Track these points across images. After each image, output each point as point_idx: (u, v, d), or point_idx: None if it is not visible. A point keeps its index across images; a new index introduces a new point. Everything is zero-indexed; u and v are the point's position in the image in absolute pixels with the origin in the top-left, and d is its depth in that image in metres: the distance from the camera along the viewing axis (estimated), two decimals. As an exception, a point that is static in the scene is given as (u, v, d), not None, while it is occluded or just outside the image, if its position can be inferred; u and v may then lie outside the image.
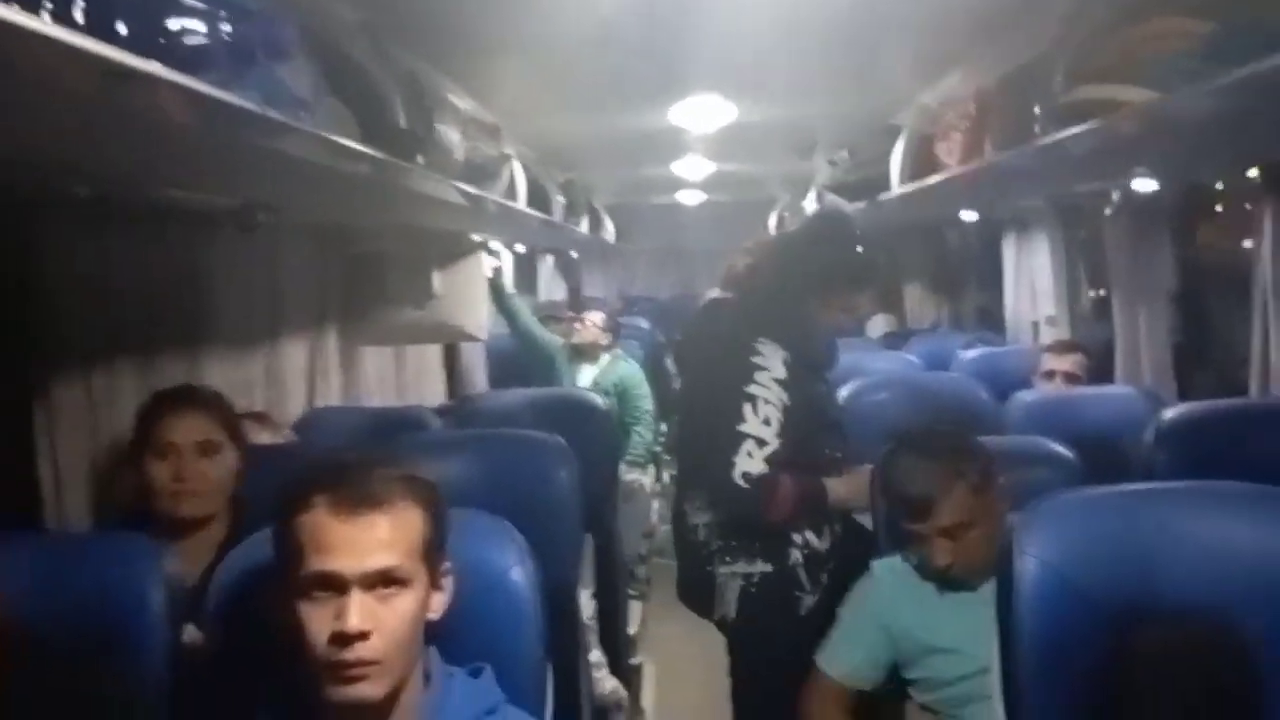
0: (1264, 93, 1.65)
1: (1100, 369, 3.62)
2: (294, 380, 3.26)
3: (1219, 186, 3.65)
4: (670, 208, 9.77)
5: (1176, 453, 2.31)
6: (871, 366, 3.85)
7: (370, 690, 1.27)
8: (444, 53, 2.75)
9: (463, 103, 3.21)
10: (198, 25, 1.34)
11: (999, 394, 3.22)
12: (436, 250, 3.70)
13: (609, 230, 9.01)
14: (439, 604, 1.37)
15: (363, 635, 1.25)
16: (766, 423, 2.39)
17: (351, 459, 1.35)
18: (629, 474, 4.54)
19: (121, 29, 1.16)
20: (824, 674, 2.20)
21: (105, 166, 1.69)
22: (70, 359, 2.07)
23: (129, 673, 1.49)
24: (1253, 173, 2.80)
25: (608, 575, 2.62)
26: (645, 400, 4.90)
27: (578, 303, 7.03)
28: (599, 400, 3.17)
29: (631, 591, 3.93)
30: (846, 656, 2.19)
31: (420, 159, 2.47)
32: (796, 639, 2.31)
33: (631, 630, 3.57)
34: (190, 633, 1.63)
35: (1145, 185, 3.00)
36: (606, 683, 2.53)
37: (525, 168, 4.45)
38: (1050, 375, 3.50)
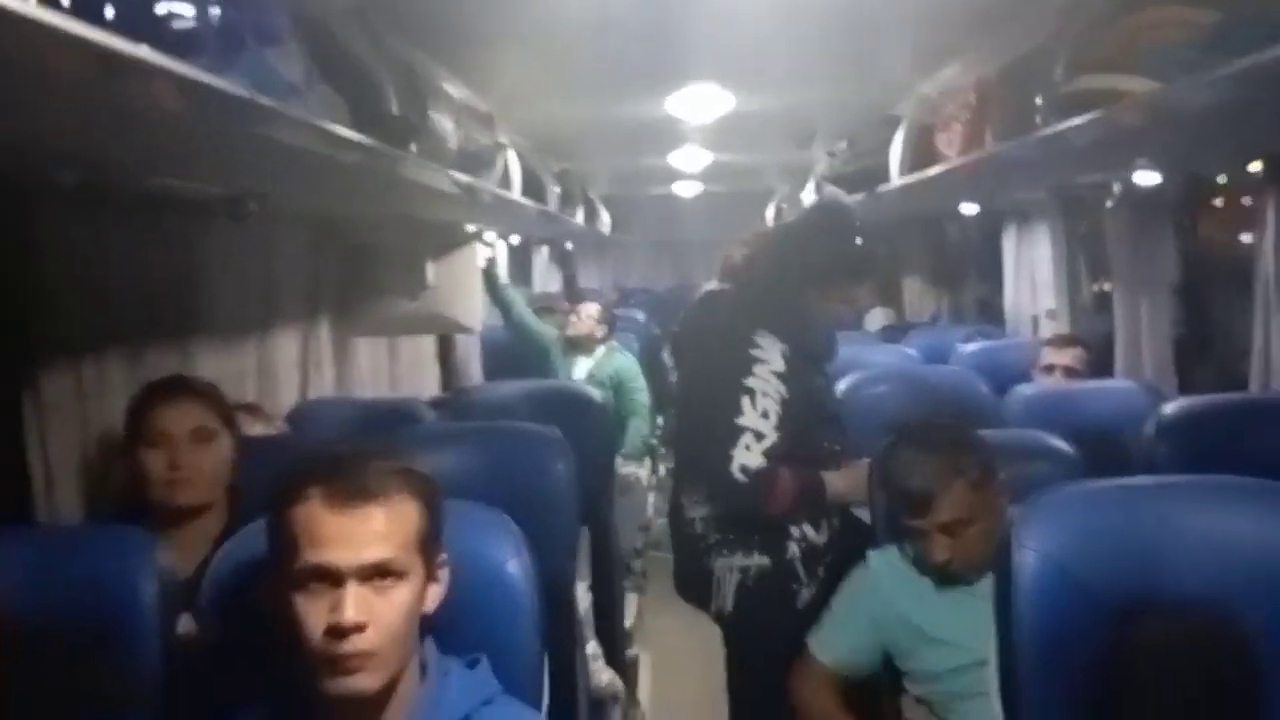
0: (1267, 83, 1.64)
1: (1100, 362, 3.61)
2: (286, 372, 3.24)
3: (1220, 180, 3.64)
4: (667, 199, 9.75)
5: (1177, 447, 2.30)
6: (870, 360, 3.83)
7: (366, 682, 1.26)
8: (437, 39, 2.73)
9: (457, 90, 3.19)
10: (186, 9, 1.32)
11: (998, 388, 3.21)
12: (431, 241, 3.68)
13: (604, 221, 9.00)
14: (435, 596, 1.37)
15: (358, 627, 1.24)
16: (765, 416, 2.38)
17: (347, 451, 1.34)
18: (625, 467, 4.53)
19: (109, 12, 1.14)
20: (815, 658, 2.22)
21: (93, 154, 1.68)
22: (60, 350, 2.06)
23: (122, 665, 1.48)
24: (1255, 165, 2.78)
25: (604, 568, 2.61)
26: (641, 393, 4.89)
27: (574, 291, 7.01)
28: (595, 393, 3.15)
29: (627, 584, 3.92)
30: (837, 643, 2.21)
31: (414, 147, 2.45)
32: (793, 632, 2.30)
33: (628, 623, 3.56)
34: (185, 624, 1.62)
35: (1147, 177, 2.99)
36: (603, 675, 2.52)
37: (520, 157, 4.43)
38: (1050, 369, 3.49)
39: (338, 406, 3.20)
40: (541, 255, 8.00)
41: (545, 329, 5.02)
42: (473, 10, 2.54)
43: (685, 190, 9.21)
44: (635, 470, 4.87)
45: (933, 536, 2.04)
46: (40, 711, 1.43)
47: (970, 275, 5.97)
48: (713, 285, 2.89)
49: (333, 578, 1.25)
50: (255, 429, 2.41)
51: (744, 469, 2.35)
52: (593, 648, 2.47)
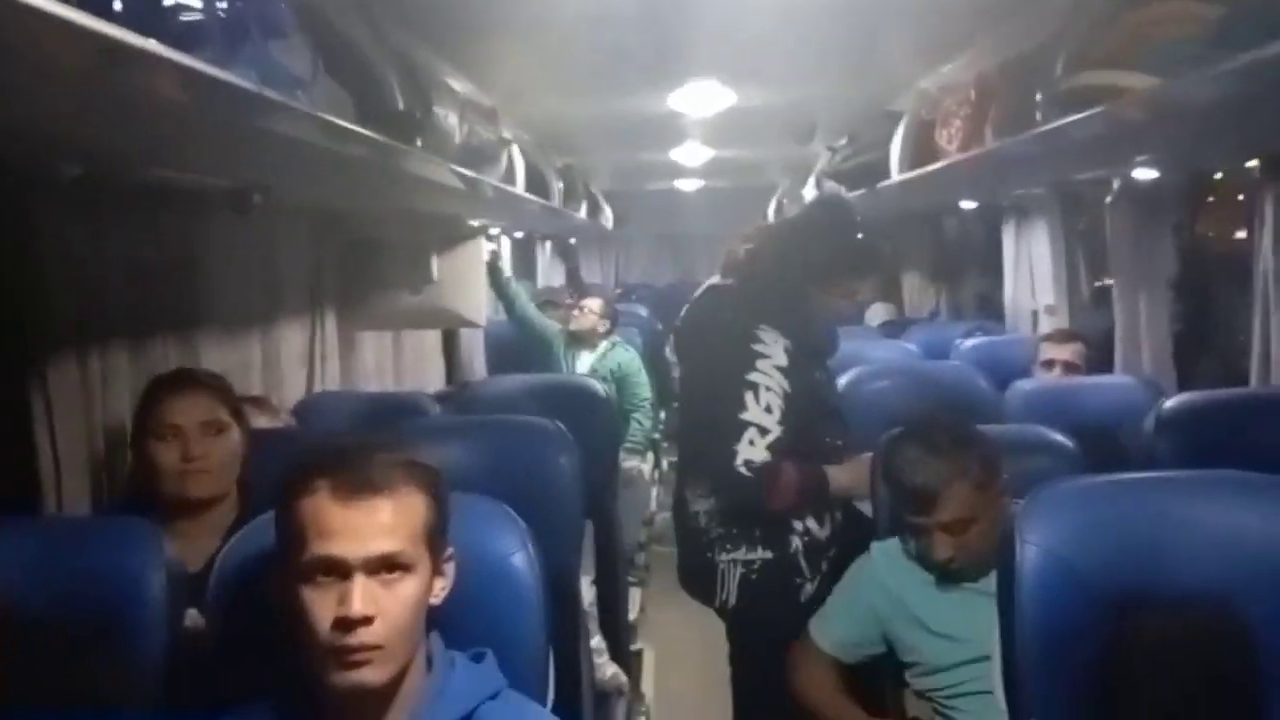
0: (1268, 79, 1.64)
1: (1100, 358, 3.62)
2: (292, 365, 3.24)
3: (1217, 176, 3.64)
4: (669, 194, 9.74)
5: (1177, 442, 2.30)
6: (871, 355, 3.84)
7: (373, 675, 1.27)
8: (442, 34, 2.74)
9: (460, 85, 3.20)
10: (193, 1, 1.32)
11: (998, 383, 3.22)
12: (435, 235, 3.68)
13: (607, 216, 9.00)
14: (441, 589, 1.37)
15: (366, 620, 1.24)
16: (768, 410, 2.38)
17: (353, 444, 1.34)
18: (628, 461, 4.54)
19: (116, 4, 1.14)
20: (814, 643, 2.24)
21: (98, 146, 1.68)
22: (66, 343, 2.05)
23: (129, 658, 1.48)
24: (1252, 162, 2.78)
25: (608, 562, 2.61)
26: (643, 387, 4.90)
27: (578, 283, 7.01)
28: (599, 387, 3.16)
29: (631, 578, 3.93)
30: (836, 629, 2.23)
31: (418, 142, 2.45)
32: (796, 626, 2.31)
33: (631, 616, 3.57)
34: (193, 617, 1.62)
35: (1147, 173, 2.99)
36: (607, 669, 2.54)
37: (523, 152, 4.44)
38: (1049, 364, 3.49)
39: (343, 400, 3.20)
40: (545, 250, 8.00)
41: (548, 323, 5.02)
42: (477, 5, 2.55)
43: (687, 185, 9.21)
44: (638, 464, 4.89)
45: (935, 535, 2.04)
46: (47, 703, 1.43)
47: (969, 270, 5.97)
48: (715, 280, 2.90)
49: (340, 570, 1.26)
50: (261, 422, 2.41)
51: (748, 464, 2.36)
52: (597, 641, 2.48)
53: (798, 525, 2.48)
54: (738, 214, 7.83)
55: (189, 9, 1.31)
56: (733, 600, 2.51)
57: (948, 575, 2.09)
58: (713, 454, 2.43)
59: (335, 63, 2.01)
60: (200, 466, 1.92)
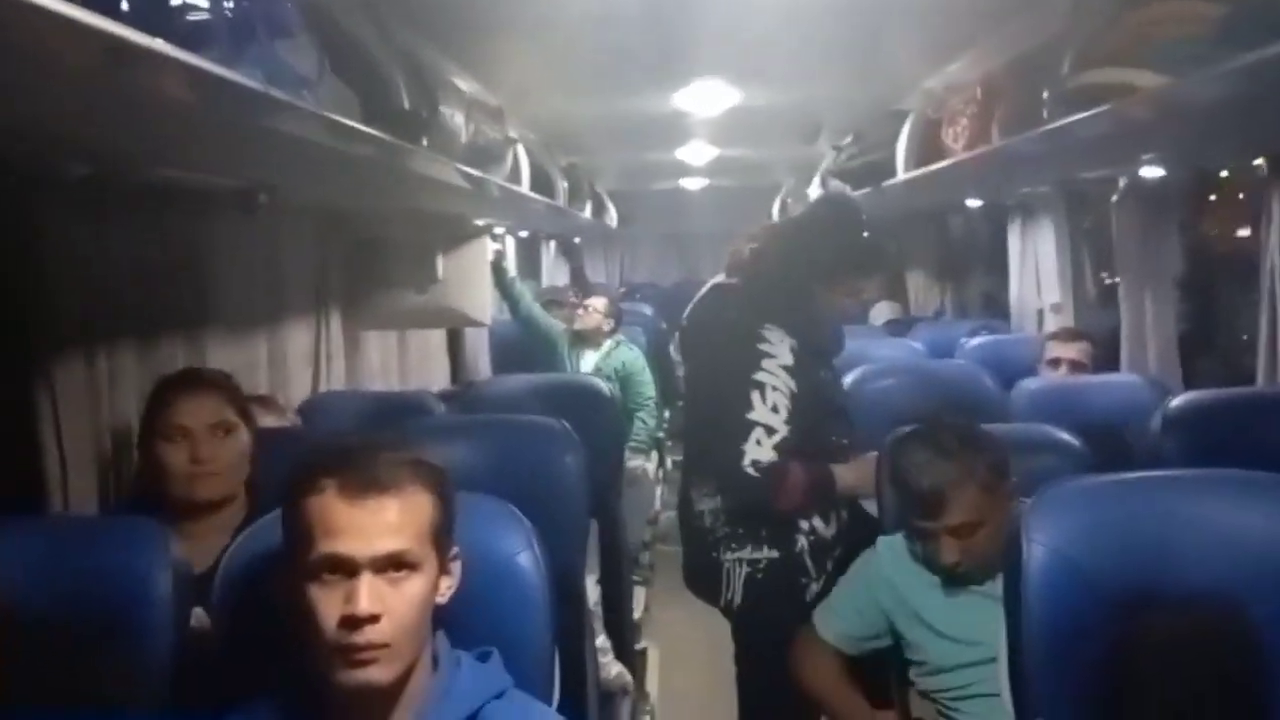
0: (1275, 78, 1.63)
1: (1106, 356, 3.61)
2: (298, 364, 3.25)
3: (1223, 174, 3.63)
4: (673, 193, 9.73)
5: (1183, 440, 2.29)
6: (876, 354, 3.83)
7: (379, 674, 1.27)
8: (448, 33, 2.74)
9: (466, 85, 3.20)
10: (199, 0, 1.32)
11: (1004, 381, 3.21)
12: (440, 234, 3.68)
13: (612, 216, 9.00)
14: (447, 588, 1.37)
15: (373, 618, 1.24)
16: (775, 410, 2.38)
17: (360, 443, 1.35)
18: (632, 460, 4.54)
19: (123, 3, 1.15)
20: (817, 633, 2.24)
21: (105, 145, 1.68)
22: (72, 342, 2.06)
23: (136, 657, 1.48)
24: (1257, 161, 2.77)
25: (613, 561, 2.61)
26: (648, 386, 4.89)
27: (582, 282, 7.02)
28: (604, 386, 3.16)
29: (635, 577, 3.93)
30: (840, 622, 2.23)
31: (424, 141, 2.46)
32: (802, 626, 2.30)
33: (635, 616, 3.56)
34: (198, 617, 1.62)
35: (1153, 171, 2.98)
36: (612, 668, 2.53)
37: (528, 151, 4.44)
38: (1055, 363, 3.48)
39: (349, 399, 3.21)
40: (549, 249, 8.01)
41: (553, 323, 5.03)
42: (483, 4, 2.55)
43: (692, 184, 9.21)
44: (642, 463, 4.88)
45: (942, 539, 2.03)
46: (53, 702, 1.43)
47: (975, 269, 5.97)
48: (720, 279, 2.89)
49: (347, 568, 1.26)
50: (267, 421, 2.40)
51: (756, 464, 2.36)
52: (602, 641, 2.48)
53: (803, 525, 2.48)
54: (742, 213, 7.83)
55: (196, 8, 1.32)
56: (738, 600, 2.50)
57: (954, 578, 2.08)
58: (719, 454, 2.43)
59: (341, 62, 2.01)
60: (209, 469, 1.91)
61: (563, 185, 5.78)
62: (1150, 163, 2.87)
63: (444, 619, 1.39)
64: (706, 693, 3.43)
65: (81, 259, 2.08)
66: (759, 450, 2.36)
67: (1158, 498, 1.61)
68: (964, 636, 2.05)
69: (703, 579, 2.58)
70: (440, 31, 2.71)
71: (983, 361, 3.56)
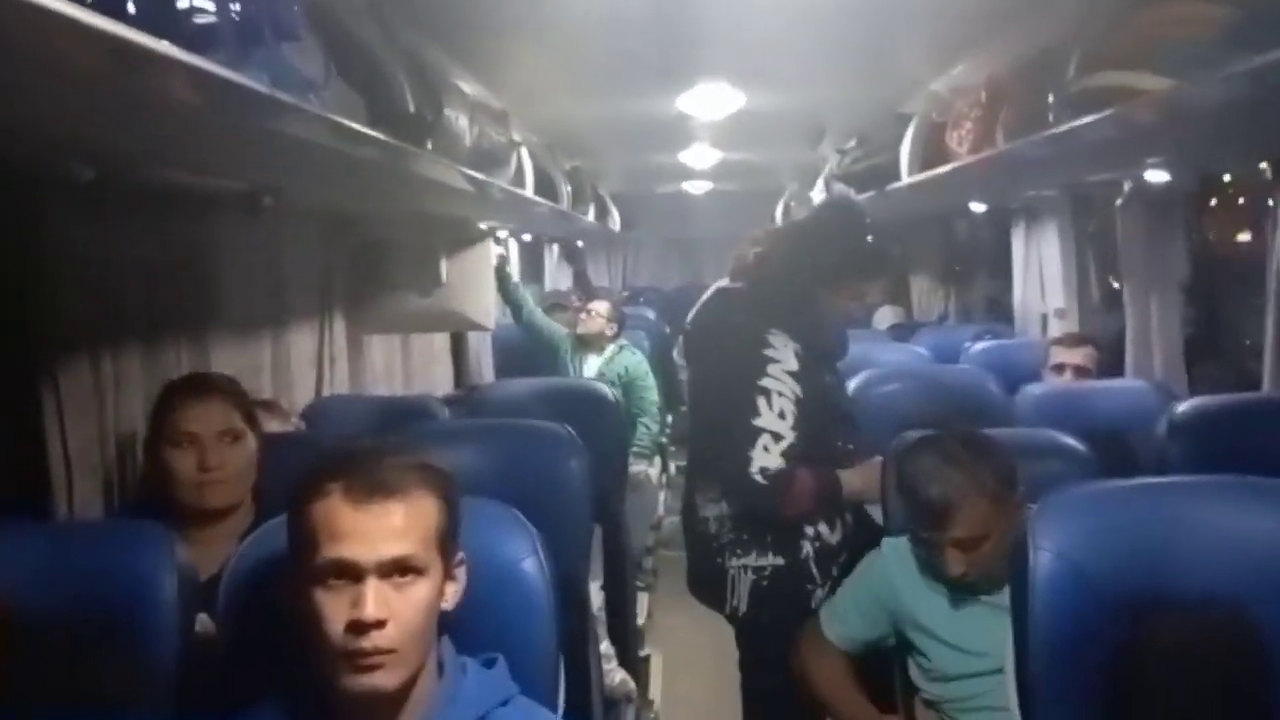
0: (1283, 81, 1.63)
1: (1110, 362, 3.60)
2: (302, 368, 3.24)
3: (1226, 178, 3.63)
4: (677, 196, 9.73)
5: (1189, 446, 2.29)
6: (880, 358, 3.83)
7: (385, 680, 1.26)
8: (453, 36, 2.74)
9: (471, 88, 3.19)
10: (207, 4, 1.32)
11: (1008, 386, 3.21)
12: (444, 238, 3.68)
13: (615, 219, 8.99)
14: (453, 594, 1.36)
15: (379, 624, 1.24)
16: (781, 416, 2.37)
17: (366, 447, 1.35)
18: (635, 465, 4.53)
19: (130, 7, 1.15)
20: (821, 631, 2.23)
21: (111, 147, 1.68)
22: (78, 345, 2.06)
23: (141, 661, 1.48)
24: (1262, 165, 2.77)
25: (616, 567, 2.60)
26: (651, 391, 4.89)
27: (585, 286, 7.01)
28: (608, 391, 3.16)
29: (638, 583, 3.92)
30: (842, 621, 2.22)
31: (429, 144, 2.45)
32: (806, 625, 2.30)
33: (639, 621, 3.56)
34: (203, 622, 1.62)
35: (1159, 175, 2.98)
36: (616, 674, 2.52)
37: (532, 155, 4.44)
38: (1060, 369, 3.47)
39: (353, 403, 3.21)
40: (552, 253, 8.01)
41: (555, 328, 5.03)
42: (488, 8, 2.55)
43: (695, 188, 9.20)
44: (645, 468, 4.87)
45: (948, 550, 2.00)
46: (58, 706, 1.43)
47: (978, 273, 5.96)
48: (723, 283, 2.89)
49: (353, 573, 1.25)
50: (272, 425, 2.40)
51: (764, 471, 2.35)
52: (606, 647, 2.47)
53: (809, 530, 2.47)
54: (746, 217, 7.82)
55: (202, 11, 1.32)
56: (743, 607, 2.50)
57: (960, 588, 2.05)
58: (726, 461, 2.42)
59: (347, 65, 2.01)
60: (217, 477, 1.91)
61: (566, 189, 5.78)
62: (1156, 166, 2.86)
63: (449, 625, 1.38)
64: (710, 699, 3.42)
65: (87, 261, 2.08)
66: (766, 457, 2.35)
67: (1165, 503, 1.61)
68: (969, 646, 2.03)
69: (707, 585, 2.57)
70: (445, 35, 2.71)
71: (987, 366, 3.55)
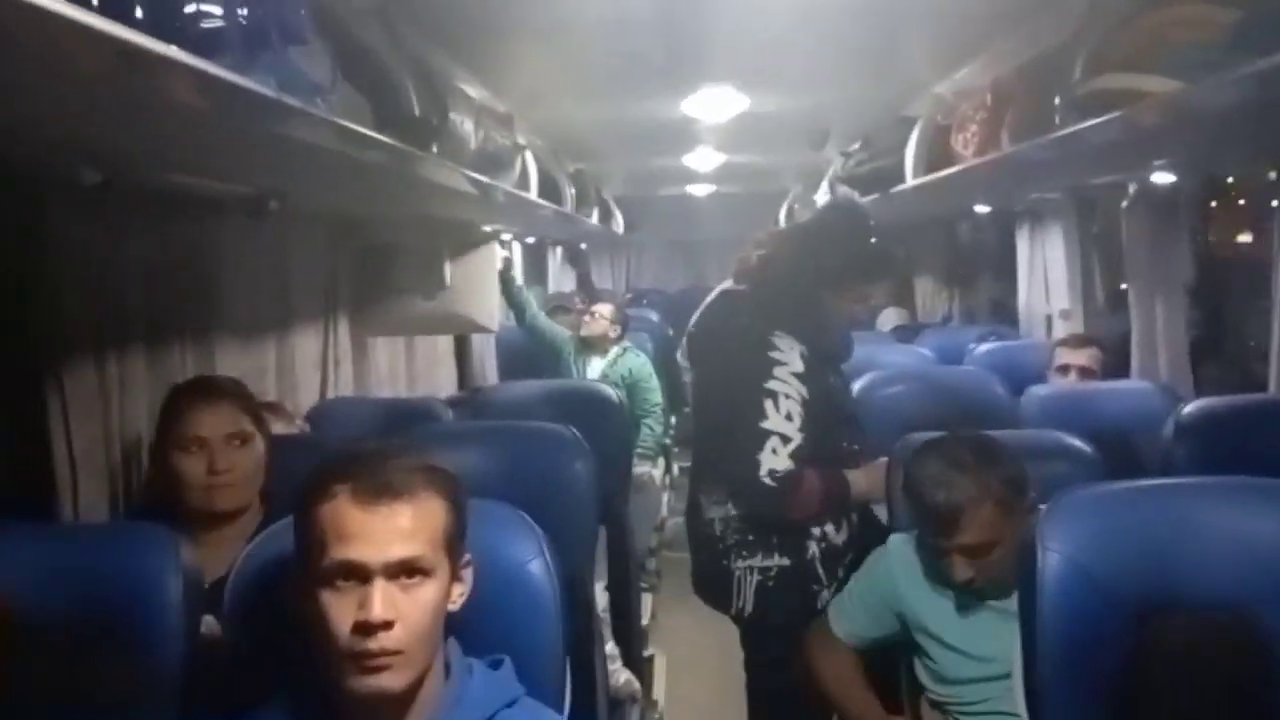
0: (1292, 84, 1.62)
1: (1115, 364, 3.60)
2: (306, 370, 3.25)
3: (1229, 180, 3.62)
4: (681, 199, 9.74)
5: (1196, 448, 2.28)
6: (885, 360, 3.82)
7: (392, 681, 1.26)
8: (458, 40, 2.74)
9: (476, 91, 3.20)
10: (214, 8, 1.32)
11: (1013, 388, 3.20)
12: (449, 241, 3.68)
13: (618, 221, 9.00)
14: (459, 596, 1.36)
15: (386, 625, 1.24)
16: (789, 418, 2.37)
17: (373, 449, 1.35)
18: (639, 466, 4.53)
19: (137, 10, 1.15)
20: (829, 628, 2.23)
21: (118, 151, 1.68)
22: (83, 347, 2.06)
23: (146, 664, 1.48)
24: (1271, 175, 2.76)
25: (621, 568, 2.60)
26: (654, 393, 4.89)
27: (589, 288, 7.02)
28: (612, 393, 3.16)
29: (642, 584, 3.92)
30: (850, 618, 2.21)
31: (434, 148, 2.46)
32: (815, 622, 2.29)
33: (642, 622, 3.55)
34: (208, 624, 1.62)
35: (1164, 177, 2.97)
36: (620, 675, 2.52)
37: (536, 158, 4.44)
38: (1065, 370, 3.46)
39: (357, 405, 3.20)
40: (555, 255, 8.01)
41: (558, 330, 5.03)
42: (493, 12, 2.56)
43: (699, 190, 9.21)
44: (649, 470, 4.87)
45: (955, 557, 1.97)
46: (62, 708, 1.43)
47: (982, 275, 5.96)
48: (727, 285, 2.89)
49: (360, 574, 1.26)
50: (276, 428, 2.39)
51: (773, 474, 2.35)
52: (610, 648, 2.47)
53: (815, 531, 2.47)
54: (750, 219, 7.82)
55: (210, 15, 1.32)
56: (749, 608, 2.49)
57: (968, 593, 2.03)
58: (733, 464, 2.42)
59: (353, 69, 2.02)
60: (226, 480, 1.91)
61: (570, 191, 5.79)
62: (1162, 169, 2.85)
63: (455, 626, 1.38)
64: (714, 699, 3.42)
65: (92, 263, 2.08)
66: (775, 460, 2.35)
67: (1173, 505, 1.60)
68: (976, 651, 2.02)
69: (713, 587, 2.57)
70: (450, 38, 2.71)
71: (991, 368, 3.54)
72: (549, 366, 4.89)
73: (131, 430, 2.17)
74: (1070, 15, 2.40)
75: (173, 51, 1.19)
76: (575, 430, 2.23)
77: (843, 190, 5.12)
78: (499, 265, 4.16)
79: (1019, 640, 1.60)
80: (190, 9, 1.29)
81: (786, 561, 2.47)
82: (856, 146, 5.03)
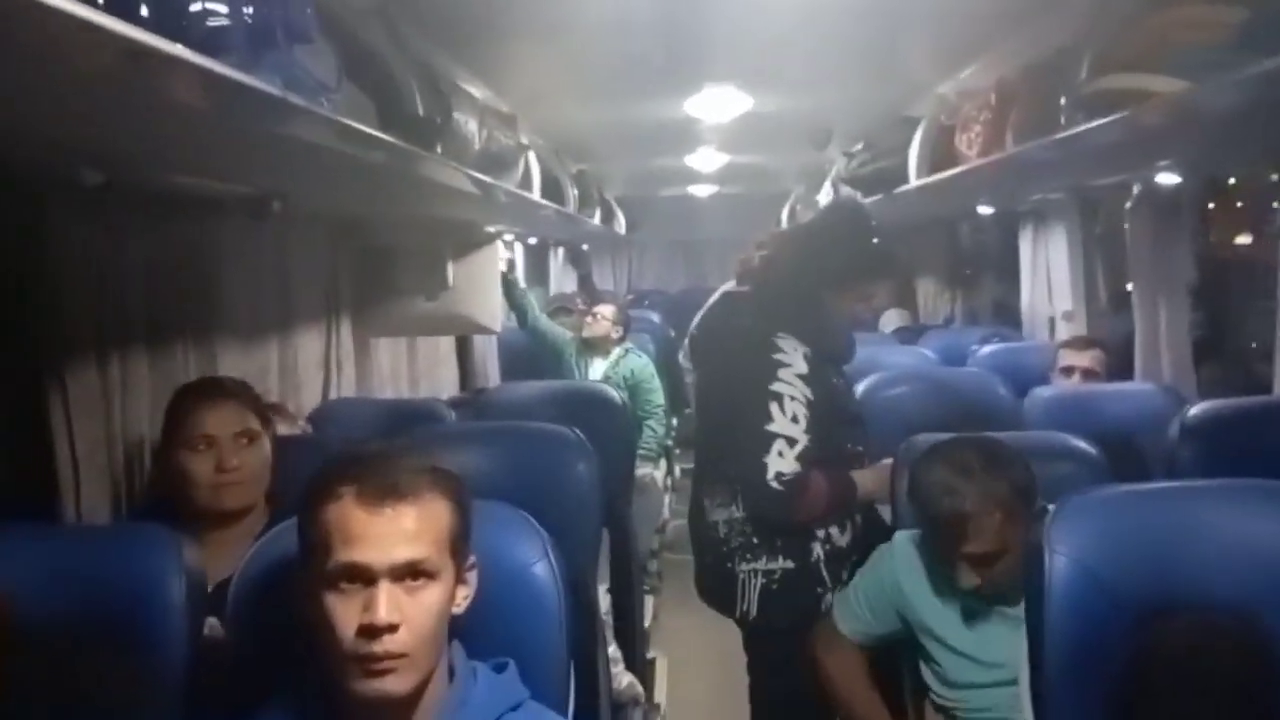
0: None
1: (1118, 365, 3.59)
2: (309, 371, 3.24)
3: (1231, 181, 3.62)
4: (683, 199, 9.73)
5: (1200, 450, 2.28)
6: (888, 361, 3.82)
7: (396, 684, 1.26)
8: (461, 41, 2.74)
9: (480, 92, 3.20)
10: (219, 6, 1.32)
11: (1016, 389, 3.20)
12: (451, 241, 3.68)
13: (620, 222, 9.00)
14: (464, 598, 1.36)
15: (391, 628, 1.24)
16: (794, 420, 2.36)
17: (377, 450, 1.34)
18: (640, 468, 4.51)
19: (142, 9, 1.14)
20: (834, 625, 2.22)
21: (122, 151, 1.68)
22: (85, 348, 2.05)
23: (147, 665, 1.47)
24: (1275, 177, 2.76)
25: (623, 570, 2.59)
26: (656, 394, 4.89)
27: (590, 289, 7.01)
28: (615, 394, 3.15)
29: (644, 586, 3.91)
30: (855, 615, 2.21)
31: (438, 148, 2.45)
32: (820, 621, 2.29)
33: (644, 625, 3.55)
34: (212, 626, 1.61)
35: (1168, 178, 2.97)
36: (623, 678, 2.51)
37: (539, 158, 4.44)
38: (1068, 371, 3.46)
39: (359, 406, 3.20)
40: (557, 256, 8.01)
41: (560, 332, 5.03)
42: (496, 12, 2.55)
43: (701, 191, 9.21)
44: (651, 471, 4.87)
45: (960, 565, 1.95)
46: (64, 709, 1.42)
47: (985, 276, 5.95)
48: (729, 286, 2.89)
49: (365, 577, 1.25)
50: (279, 429, 2.39)
51: (779, 476, 2.33)
52: (613, 651, 2.46)
53: (819, 534, 2.46)
54: (752, 220, 7.82)
55: (215, 14, 1.31)
56: (753, 611, 2.48)
57: (975, 598, 2.01)
58: (739, 466, 2.41)
59: (357, 69, 2.01)
60: (234, 478, 1.91)
61: (573, 192, 5.78)
62: (1166, 169, 2.85)
63: (460, 628, 1.38)
64: (716, 701, 3.42)
65: (93, 264, 2.07)
66: (781, 462, 2.34)
67: (1178, 507, 1.60)
68: (983, 656, 2.01)
69: (717, 590, 2.56)
70: (454, 39, 2.71)
71: (994, 369, 3.54)
72: (551, 368, 4.89)
73: (134, 431, 2.16)
74: (1075, 15, 2.40)
75: (179, 50, 1.18)
76: (578, 431, 2.23)
77: (845, 191, 5.12)
78: (501, 267, 4.16)
79: (1026, 646, 1.60)
80: (196, 7, 1.29)
81: (791, 564, 2.46)
82: (859, 147, 5.02)
